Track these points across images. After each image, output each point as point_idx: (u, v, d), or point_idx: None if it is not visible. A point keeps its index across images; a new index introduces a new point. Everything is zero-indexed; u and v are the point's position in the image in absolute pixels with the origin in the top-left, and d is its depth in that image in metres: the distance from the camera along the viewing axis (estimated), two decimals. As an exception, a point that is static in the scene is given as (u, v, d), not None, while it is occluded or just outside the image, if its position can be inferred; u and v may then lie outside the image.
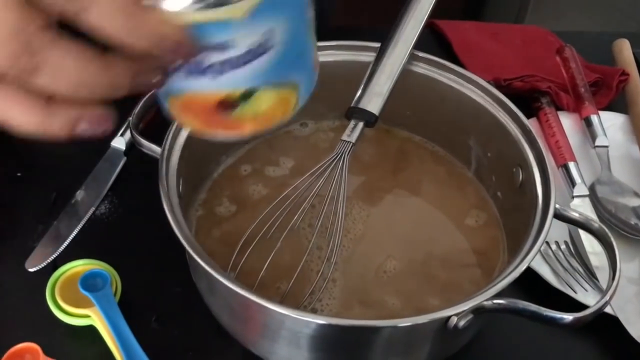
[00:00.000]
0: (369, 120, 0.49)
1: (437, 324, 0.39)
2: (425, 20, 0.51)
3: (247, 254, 0.46)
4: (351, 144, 0.48)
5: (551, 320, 0.39)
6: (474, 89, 0.52)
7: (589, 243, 0.54)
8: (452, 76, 0.52)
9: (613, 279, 0.41)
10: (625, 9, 1.38)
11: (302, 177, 0.47)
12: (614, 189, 0.60)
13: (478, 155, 0.54)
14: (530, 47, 0.77)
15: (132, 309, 0.48)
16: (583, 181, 0.59)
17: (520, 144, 0.49)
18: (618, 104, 0.70)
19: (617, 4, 1.41)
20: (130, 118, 0.49)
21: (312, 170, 0.47)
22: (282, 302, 0.44)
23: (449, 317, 0.39)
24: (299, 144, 0.56)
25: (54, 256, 0.52)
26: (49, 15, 0.26)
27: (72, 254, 0.52)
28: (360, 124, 0.49)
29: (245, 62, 0.30)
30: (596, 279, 0.53)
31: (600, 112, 0.67)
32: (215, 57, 0.29)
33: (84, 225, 0.54)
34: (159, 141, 0.46)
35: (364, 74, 0.50)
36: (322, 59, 0.53)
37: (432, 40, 0.78)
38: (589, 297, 0.51)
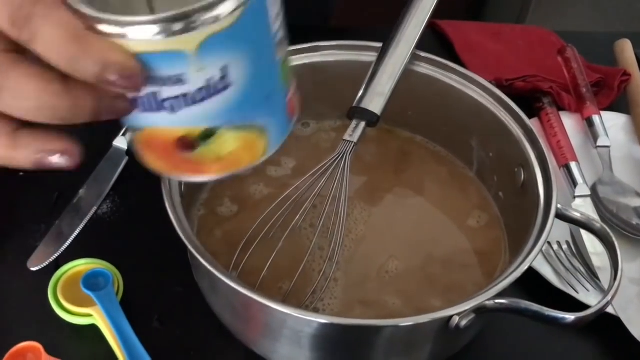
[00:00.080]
0: (371, 120, 0.49)
1: (439, 323, 0.39)
2: (427, 21, 0.51)
3: (248, 253, 0.46)
4: (353, 143, 0.48)
5: (553, 320, 0.39)
6: (476, 89, 0.52)
7: (591, 243, 0.54)
8: (454, 76, 0.52)
9: (615, 279, 0.41)
10: (627, 9, 1.38)
11: (303, 177, 0.47)
12: (616, 189, 0.60)
13: (480, 156, 0.54)
14: (532, 47, 0.77)
15: (134, 308, 0.49)
16: (585, 181, 0.59)
17: (522, 144, 0.49)
18: (620, 105, 0.70)
19: (618, 4, 1.41)
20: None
21: (314, 170, 0.47)
22: (284, 301, 0.44)
23: (450, 317, 0.39)
24: (301, 144, 0.56)
25: (56, 255, 0.52)
26: (7, 40, 0.27)
27: (74, 253, 0.52)
28: (362, 124, 0.49)
29: (202, 99, 0.28)
30: (598, 279, 0.53)
31: (602, 113, 0.67)
32: (170, 91, 0.28)
33: (86, 225, 0.55)
34: (161, 141, 0.46)
35: (366, 74, 0.50)
36: (323, 59, 0.54)
37: (434, 40, 0.78)
38: (590, 297, 0.51)
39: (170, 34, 0.26)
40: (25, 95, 0.27)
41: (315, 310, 0.45)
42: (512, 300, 0.40)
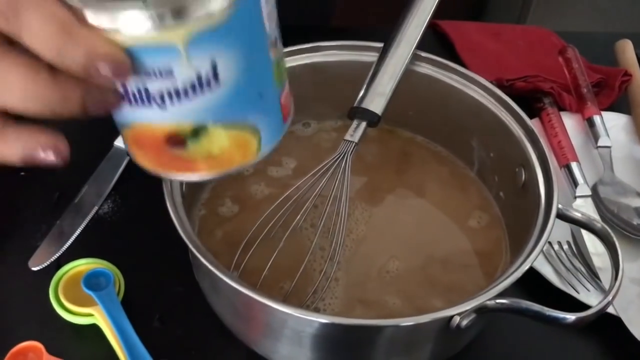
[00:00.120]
0: (372, 120, 0.49)
1: (440, 323, 0.39)
2: (428, 21, 0.51)
3: (249, 253, 0.46)
4: (354, 143, 0.48)
5: (554, 320, 0.39)
6: (477, 89, 0.52)
7: (592, 244, 0.54)
8: (454, 76, 0.52)
9: (616, 279, 0.41)
10: (628, 10, 1.38)
11: (304, 177, 0.47)
12: (617, 190, 0.60)
13: (480, 156, 0.54)
14: (532, 47, 0.77)
15: (135, 308, 0.49)
16: (585, 181, 0.59)
17: (522, 144, 0.49)
18: (621, 105, 0.70)
19: (619, 5, 1.41)
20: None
21: (315, 170, 0.47)
22: (285, 301, 0.44)
23: (451, 317, 0.39)
24: (302, 144, 0.57)
25: (57, 255, 0.52)
26: None
27: (75, 253, 0.52)
28: (363, 124, 0.49)
29: (192, 95, 0.28)
30: (598, 279, 0.53)
31: (603, 113, 0.67)
32: (159, 86, 0.28)
33: (87, 225, 0.55)
34: (162, 141, 0.46)
35: (367, 74, 0.50)
36: (324, 59, 0.54)
37: (435, 40, 0.78)
38: (591, 298, 0.51)
39: (160, 26, 0.26)
40: (13, 85, 0.27)
41: (316, 310, 0.45)
42: (513, 300, 0.40)
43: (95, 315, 0.47)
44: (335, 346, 0.42)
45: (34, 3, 0.26)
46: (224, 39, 0.28)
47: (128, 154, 0.58)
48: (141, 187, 0.56)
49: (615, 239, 0.43)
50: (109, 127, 0.62)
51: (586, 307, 0.40)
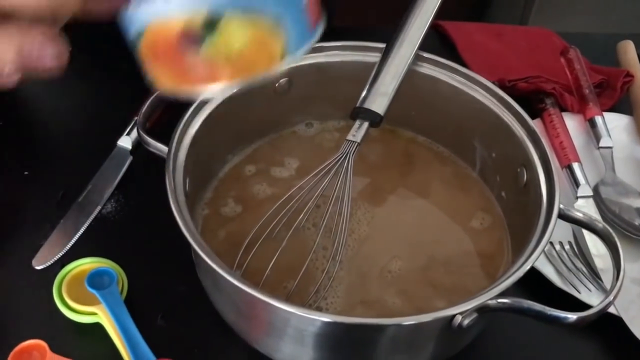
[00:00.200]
0: (374, 120, 0.49)
1: (442, 322, 0.39)
2: (431, 21, 0.51)
3: (252, 253, 0.46)
4: (356, 143, 0.48)
5: (555, 320, 0.39)
6: (479, 90, 0.52)
7: (593, 244, 0.54)
8: (457, 77, 0.53)
9: (617, 279, 0.41)
10: (630, 11, 1.38)
11: (307, 177, 0.47)
12: (618, 190, 0.60)
13: (482, 156, 0.54)
14: (534, 48, 0.77)
15: (138, 307, 0.49)
16: (587, 182, 0.59)
17: (524, 145, 0.49)
18: (622, 106, 0.70)
19: (621, 5, 1.40)
20: (137, 117, 0.49)
21: (317, 170, 0.47)
22: (287, 300, 0.44)
23: (453, 316, 0.39)
24: (304, 144, 0.57)
25: (61, 254, 0.52)
26: None
27: (78, 252, 0.52)
28: (365, 124, 0.49)
29: None
30: (600, 279, 0.53)
31: (605, 114, 0.67)
32: None
33: (90, 224, 0.55)
34: (165, 140, 0.46)
35: (369, 74, 0.50)
36: (327, 59, 0.55)
37: (437, 41, 0.78)
38: (592, 297, 0.52)
39: None
40: None
41: (319, 309, 0.46)
42: (515, 300, 0.40)
43: (98, 314, 0.48)
44: (337, 345, 0.42)
45: None
46: None
47: (134, 154, 0.58)
48: (144, 187, 0.57)
49: (616, 239, 0.43)
50: (113, 127, 0.62)
51: (587, 307, 0.40)
